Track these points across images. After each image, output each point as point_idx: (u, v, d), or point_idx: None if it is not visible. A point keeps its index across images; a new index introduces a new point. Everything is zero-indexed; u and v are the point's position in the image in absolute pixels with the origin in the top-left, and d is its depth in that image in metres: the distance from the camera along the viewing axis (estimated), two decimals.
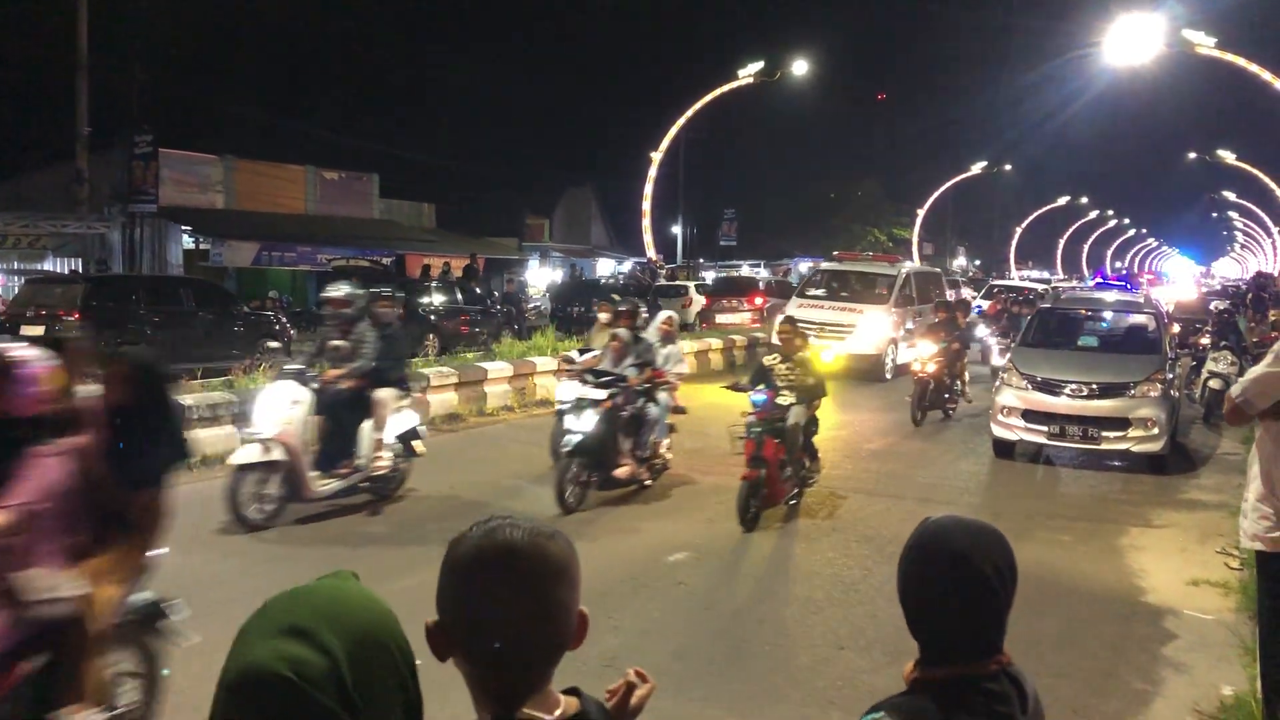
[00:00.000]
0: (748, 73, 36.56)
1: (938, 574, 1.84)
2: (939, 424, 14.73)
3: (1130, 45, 30.94)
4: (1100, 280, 48.34)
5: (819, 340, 17.26)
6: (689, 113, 37.90)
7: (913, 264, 22.48)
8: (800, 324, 16.65)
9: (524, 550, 1.44)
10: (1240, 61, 29.68)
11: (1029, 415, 11.68)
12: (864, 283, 21.02)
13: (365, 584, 1.37)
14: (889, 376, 18.98)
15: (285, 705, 1.15)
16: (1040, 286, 31.41)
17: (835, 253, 24.76)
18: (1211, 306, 21.34)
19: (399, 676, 1.29)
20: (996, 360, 16.74)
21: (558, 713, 1.47)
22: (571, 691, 1.53)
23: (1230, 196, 68.95)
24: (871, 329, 19.13)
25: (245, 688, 1.17)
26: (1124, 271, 61.98)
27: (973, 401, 15.44)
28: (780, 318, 17.78)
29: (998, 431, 11.99)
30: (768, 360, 9.66)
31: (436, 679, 1.52)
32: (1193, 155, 59.00)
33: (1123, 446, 11.36)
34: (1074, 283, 44.99)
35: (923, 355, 14.60)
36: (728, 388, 9.89)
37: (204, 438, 10.22)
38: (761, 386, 9.04)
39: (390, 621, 1.31)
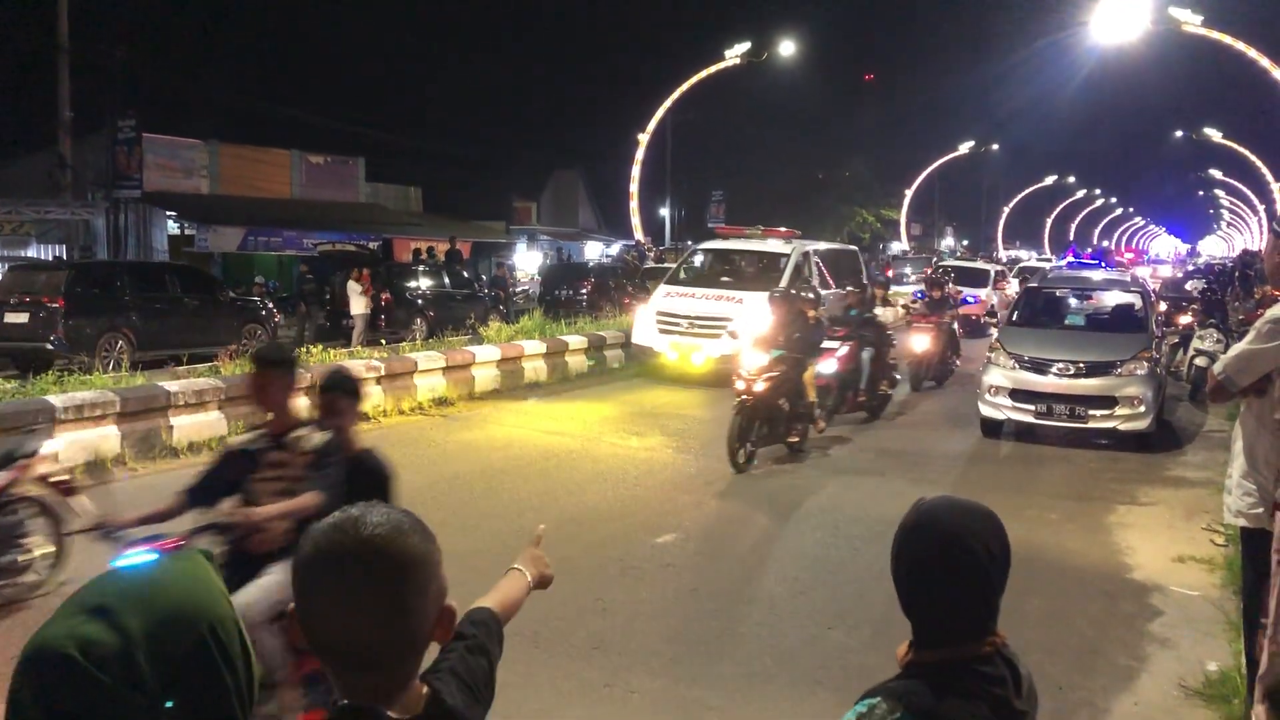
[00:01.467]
0: (734, 54, 36.43)
1: (930, 555, 1.84)
2: (930, 398, 14.77)
3: (1117, 23, 30.92)
4: (1073, 259, 48.28)
5: (686, 339, 15.34)
6: (676, 94, 37.77)
7: (817, 243, 18.89)
8: (665, 320, 14.51)
9: (357, 554, 1.38)
10: (1226, 39, 29.68)
11: (1016, 394, 11.71)
12: (751, 265, 17.28)
13: None
14: None
15: (66, 683, 1.13)
16: (995, 268, 30.14)
17: (716, 227, 20.11)
18: (1188, 286, 21.34)
19: (218, 659, 1.23)
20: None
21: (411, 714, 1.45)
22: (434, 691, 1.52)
23: (1216, 174, 69.12)
24: (755, 323, 15.43)
25: (31, 666, 1.16)
26: (1098, 249, 61.87)
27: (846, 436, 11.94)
28: (640, 312, 16.32)
29: (985, 411, 12.03)
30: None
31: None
32: (1179, 133, 59.10)
33: (1110, 425, 11.40)
34: (1036, 261, 43.64)
35: (748, 369, 10.23)
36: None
37: (189, 424, 10.20)
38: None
39: (211, 603, 1.25)
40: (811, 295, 12.47)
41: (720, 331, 14.36)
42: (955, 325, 17.10)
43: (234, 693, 1.24)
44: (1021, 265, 38.10)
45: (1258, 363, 4.05)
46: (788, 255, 16.57)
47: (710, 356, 14.84)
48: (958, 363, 16.79)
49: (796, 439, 10.74)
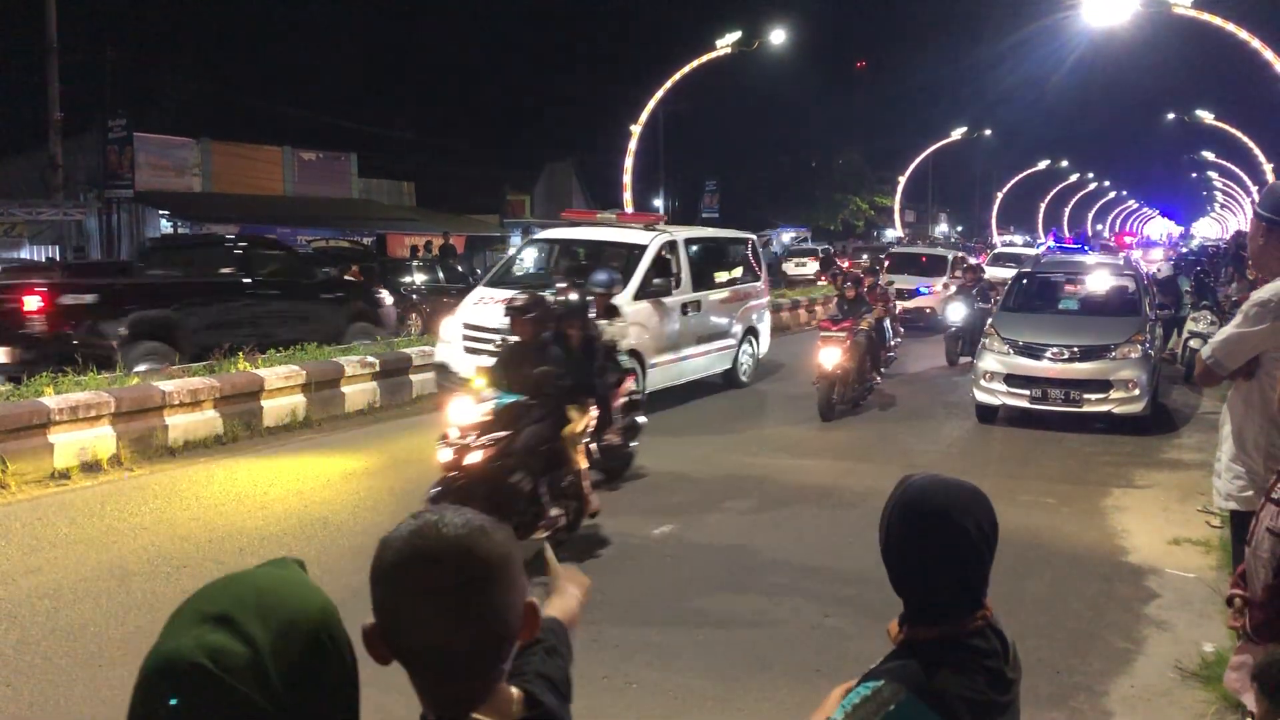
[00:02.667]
0: (725, 43, 36.34)
1: (920, 532, 1.86)
2: (917, 390, 14.80)
3: (1107, 5, 30.86)
4: (1055, 243, 47.93)
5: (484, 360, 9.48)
6: (667, 84, 37.68)
7: (689, 229, 15.10)
8: (473, 334, 11.37)
9: (445, 556, 1.36)
10: (1216, 21, 29.66)
11: (1011, 379, 11.74)
12: (597, 259, 13.19)
13: None
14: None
15: (202, 694, 1.14)
16: (954, 254, 26.02)
17: (563, 211, 15.65)
18: (1155, 271, 21.26)
19: (332, 670, 1.25)
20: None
21: (512, 715, 1.43)
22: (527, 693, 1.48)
23: (1209, 156, 69.06)
24: None
25: (162, 676, 1.16)
26: (1081, 232, 61.71)
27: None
28: (445, 322, 12.58)
29: (980, 396, 12.06)
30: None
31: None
32: (1171, 116, 59.03)
33: (1104, 408, 11.44)
34: (1015, 247, 41.25)
35: (454, 425, 6.83)
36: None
37: (184, 424, 10.20)
38: None
39: (325, 613, 1.28)
40: (592, 306, 8.66)
41: None
42: (888, 325, 14.95)
43: (348, 693, 1.28)
44: (997, 251, 35.32)
45: (1246, 345, 4.06)
46: (644, 246, 12.75)
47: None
48: (878, 379, 13.88)
49: (547, 532, 6.68)
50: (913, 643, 1.88)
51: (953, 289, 20.34)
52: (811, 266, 38.57)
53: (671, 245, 13.27)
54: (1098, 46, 49.83)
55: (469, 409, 6.87)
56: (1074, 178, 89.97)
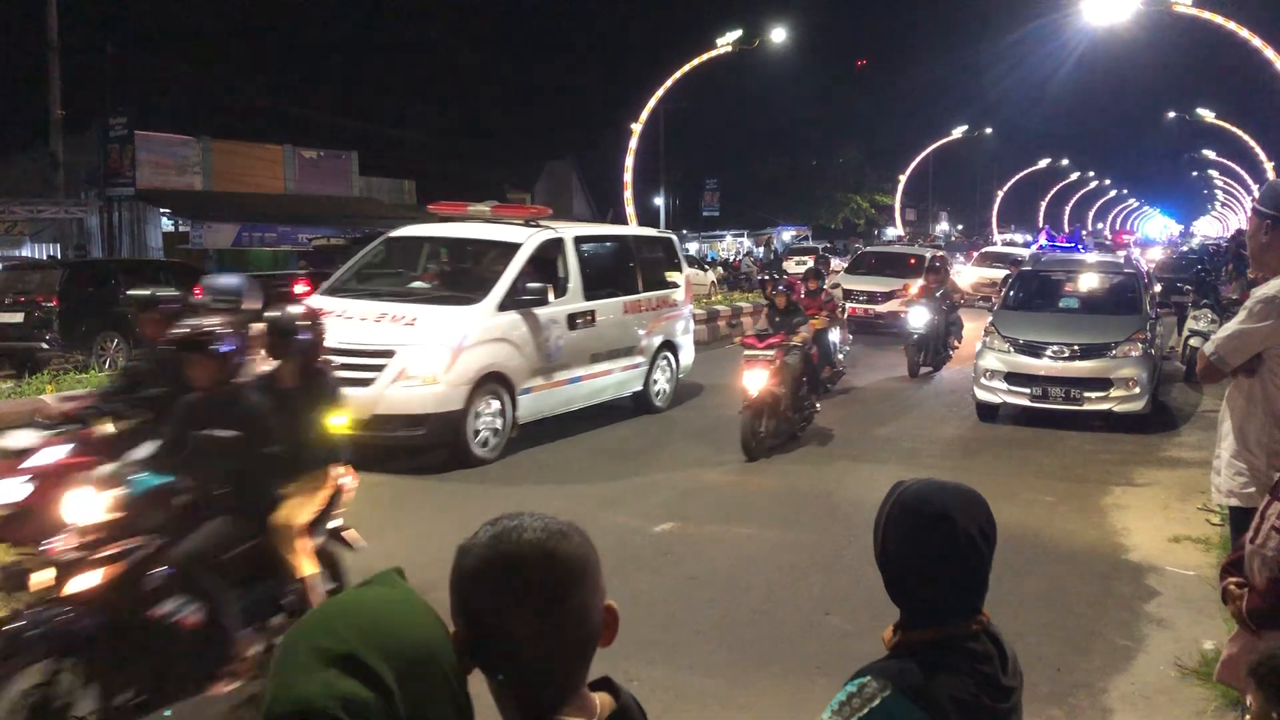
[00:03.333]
0: (726, 41, 36.34)
1: (925, 537, 1.85)
2: (864, 416, 14.80)
3: (1108, 4, 30.84)
4: (1047, 241, 47.59)
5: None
6: (668, 83, 37.67)
7: (584, 225, 13.60)
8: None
9: (530, 559, 1.36)
10: (1218, 19, 29.64)
11: (1011, 378, 11.75)
12: (464, 260, 11.64)
13: None
14: (485, 452, 9.64)
15: None
16: (930, 253, 23.82)
17: (431, 205, 12.90)
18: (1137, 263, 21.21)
19: (449, 691, 1.25)
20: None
21: (595, 717, 1.42)
22: (603, 683, 1.47)
23: (1210, 155, 69.04)
24: (429, 357, 9.38)
25: None
26: (1074, 230, 61.38)
27: None
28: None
29: (980, 395, 12.06)
30: None
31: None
32: (1172, 114, 59.01)
33: (1105, 407, 11.45)
34: (1001, 245, 39.79)
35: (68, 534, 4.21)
36: None
37: None
38: None
39: (439, 633, 1.27)
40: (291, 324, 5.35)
41: (375, 373, 9.13)
42: (834, 337, 13.34)
43: (464, 712, 1.27)
44: (985, 250, 33.78)
45: (1249, 342, 4.07)
46: (517, 246, 10.57)
47: (365, 409, 8.52)
48: (818, 407, 11.47)
49: (231, 685, 4.45)
50: (907, 645, 1.87)
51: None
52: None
53: (556, 244, 11.13)
54: (1099, 45, 49.86)
55: (87, 502, 4.28)
56: (1074, 176, 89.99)
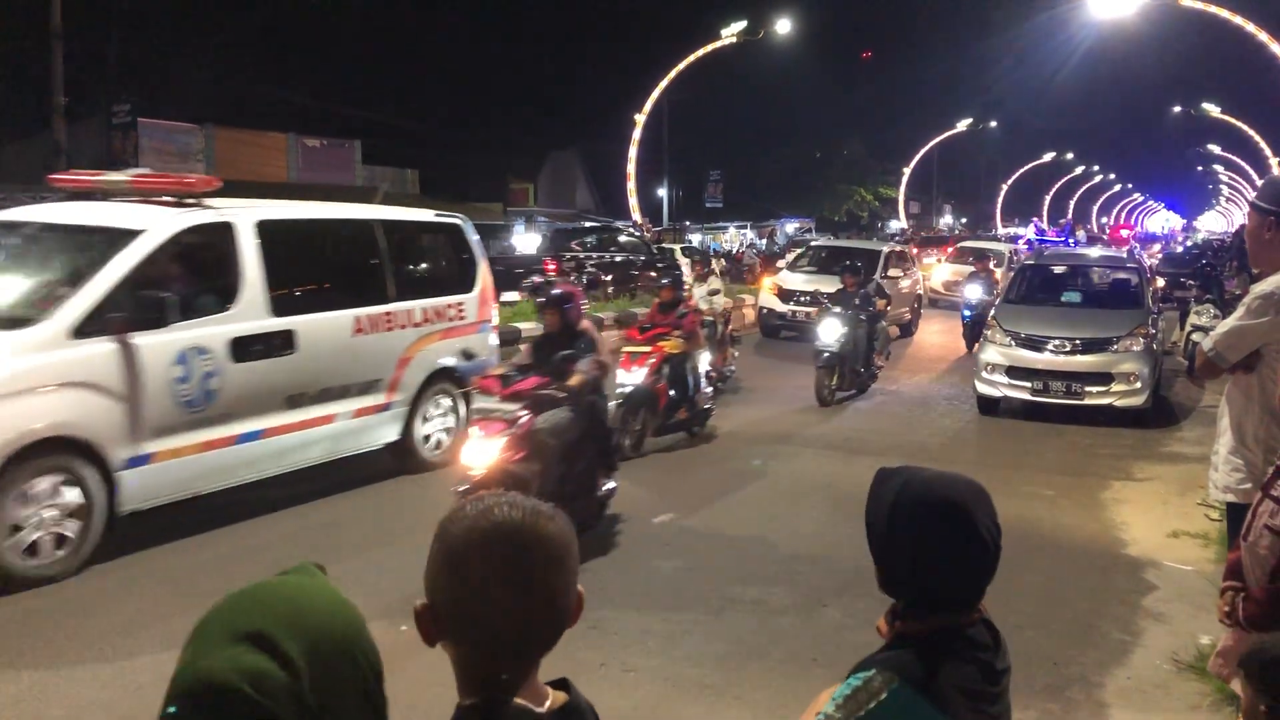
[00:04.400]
0: (730, 32, 36.30)
1: (941, 528, 1.84)
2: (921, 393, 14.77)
3: None
4: (1038, 235, 47.01)
5: None
6: (672, 74, 37.64)
7: (278, 205, 9.17)
8: None
9: (523, 533, 1.39)
10: (1224, 13, 29.56)
11: (1012, 372, 11.76)
12: (45, 257, 7.46)
13: None
14: (38, 567, 6.14)
15: (239, 718, 1.13)
16: (888, 248, 21.45)
17: (50, 178, 9.15)
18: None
19: (362, 684, 1.23)
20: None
21: (547, 704, 1.43)
22: (561, 684, 1.49)
23: (1215, 149, 68.90)
24: None
25: (198, 698, 1.14)
26: (1067, 223, 60.92)
27: None
28: None
29: (981, 388, 12.07)
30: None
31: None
32: (1177, 108, 58.91)
33: (1106, 401, 11.46)
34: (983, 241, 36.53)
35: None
36: None
37: None
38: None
39: (355, 624, 1.26)
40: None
41: None
42: (704, 364, 10.89)
43: (378, 703, 1.24)
44: (963, 244, 30.68)
45: (1246, 338, 4.07)
46: (137, 235, 7.04)
47: None
48: (608, 487, 7.41)
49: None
50: (907, 636, 1.88)
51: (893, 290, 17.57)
52: None
53: (217, 233, 7.67)
54: (1104, 39, 49.76)
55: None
56: (1079, 170, 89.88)
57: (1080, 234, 55.45)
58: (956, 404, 13.00)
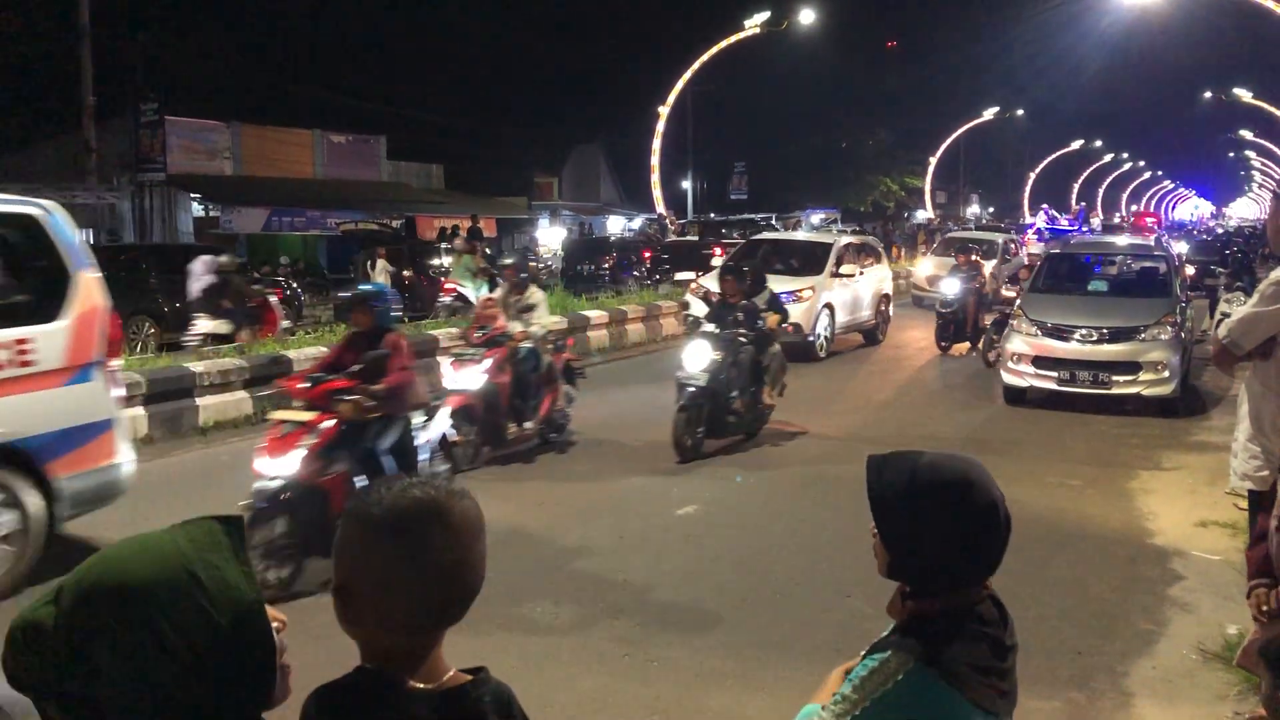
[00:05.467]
0: (754, 23, 36.20)
1: (956, 506, 1.84)
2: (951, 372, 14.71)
3: None
4: (1048, 223, 45.59)
5: None
6: (696, 65, 37.58)
7: None
8: None
9: (447, 506, 1.46)
10: None
11: (1039, 361, 11.67)
12: None
13: None
14: None
15: (13, 660, 1.25)
16: (842, 241, 17.79)
17: None
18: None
19: (144, 634, 1.22)
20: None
21: (446, 678, 1.48)
22: (475, 671, 1.52)
23: (1247, 135, 68.05)
24: None
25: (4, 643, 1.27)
26: (1080, 210, 59.86)
27: None
28: None
29: (1008, 378, 12.00)
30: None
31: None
32: (1208, 94, 58.23)
33: (1133, 390, 11.36)
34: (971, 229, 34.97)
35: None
36: None
37: (214, 404, 10.31)
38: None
39: (160, 577, 1.25)
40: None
41: None
42: (554, 371, 9.66)
43: (175, 665, 1.23)
44: (949, 235, 27.55)
45: (1262, 325, 4.03)
46: None
47: None
48: (566, 411, 9.68)
49: None
50: (920, 616, 1.89)
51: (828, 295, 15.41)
52: None
53: None
54: (1133, 24, 49.16)
55: None
56: (1108, 158, 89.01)
57: (1095, 221, 54.45)
58: (981, 394, 12.87)
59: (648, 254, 27.16)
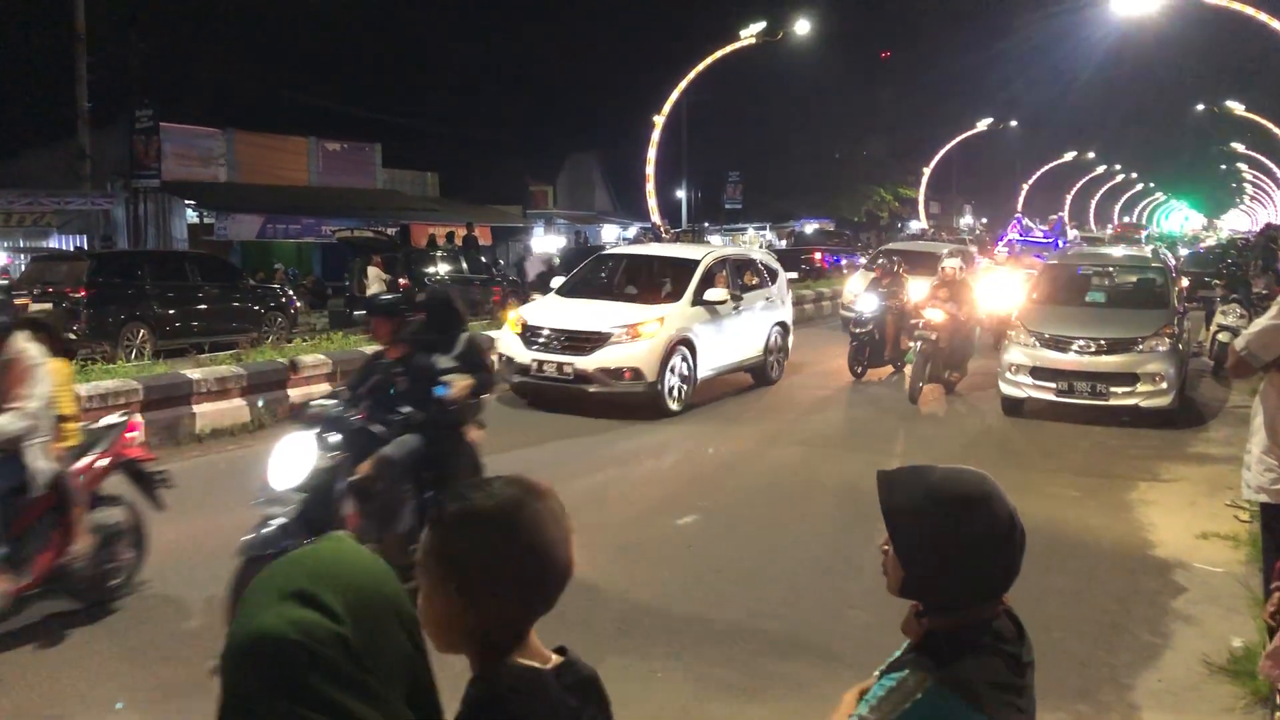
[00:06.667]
0: (750, 33, 36.26)
1: (973, 521, 1.83)
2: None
3: None
4: (1021, 234, 44.43)
5: None
6: (691, 75, 37.63)
7: None
8: None
9: (540, 492, 1.56)
10: (1248, 10, 29.32)
11: (1037, 372, 11.67)
12: None
13: None
14: None
15: (297, 668, 1.20)
16: (711, 256, 13.36)
17: None
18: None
19: (401, 634, 1.32)
20: None
21: (554, 661, 1.57)
22: (559, 650, 1.63)
23: (1239, 148, 68.30)
24: None
25: (255, 654, 1.21)
26: (1057, 221, 59.22)
27: None
28: None
29: (1006, 389, 11.99)
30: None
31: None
32: (1200, 107, 58.48)
33: (1131, 402, 11.36)
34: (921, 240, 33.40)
35: None
36: None
37: (210, 411, 10.27)
38: None
39: (389, 579, 1.35)
40: None
41: None
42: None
43: (418, 667, 1.35)
44: (883, 248, 23.47)
45: (1278, 338, 4.03)
46: None
47: None
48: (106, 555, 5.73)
49: None
50: (937, 633, 1.86)
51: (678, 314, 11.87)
52: None
53: None
54: (1126, 37, 49.43)
55: None
56: (1100, 169, 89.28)
57: (1072, 233, 54.08)
58: (980, 406, 12.85)
59: None
